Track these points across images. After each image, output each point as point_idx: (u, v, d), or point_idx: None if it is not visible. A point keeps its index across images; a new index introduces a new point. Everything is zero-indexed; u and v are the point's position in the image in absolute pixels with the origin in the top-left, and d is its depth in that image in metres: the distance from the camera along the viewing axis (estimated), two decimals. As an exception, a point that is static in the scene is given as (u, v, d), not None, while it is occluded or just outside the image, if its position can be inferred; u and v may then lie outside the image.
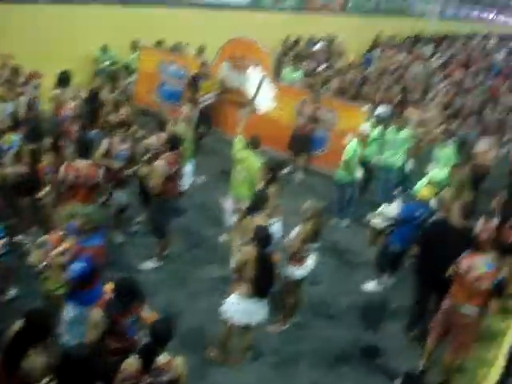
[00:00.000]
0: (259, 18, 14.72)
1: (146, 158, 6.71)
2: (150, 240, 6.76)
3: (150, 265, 6.64)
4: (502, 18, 40.36)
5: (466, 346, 5.11)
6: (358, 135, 8.17)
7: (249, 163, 6.64)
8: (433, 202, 6.49)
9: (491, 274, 4.78)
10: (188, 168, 7.63)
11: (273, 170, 6.16)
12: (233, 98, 10.49)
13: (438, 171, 8.15)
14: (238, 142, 6.79)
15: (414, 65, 16.89)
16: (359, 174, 8.23)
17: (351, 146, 8.06)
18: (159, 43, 12.19)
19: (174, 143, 6.32)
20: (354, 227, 8.34)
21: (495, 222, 6.51)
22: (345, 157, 8.00)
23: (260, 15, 14.97)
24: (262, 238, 4.76)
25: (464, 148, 9.02)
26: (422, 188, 6.80)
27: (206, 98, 10.00)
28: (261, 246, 4.74)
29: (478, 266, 4.82)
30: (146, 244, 6.87)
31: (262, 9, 15.42)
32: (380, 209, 6.73)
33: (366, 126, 8.46)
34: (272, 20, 15.27)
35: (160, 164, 6.10)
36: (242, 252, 4.84)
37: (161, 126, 7.17)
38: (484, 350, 5.59)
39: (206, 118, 9.91)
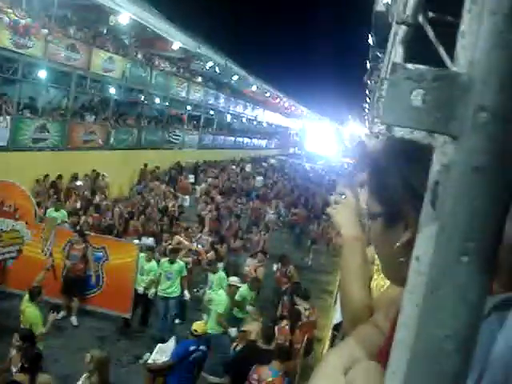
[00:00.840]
0: (18, 158, 14.96)
1: None
2: None
3: None
4: (255, 142, 46.86)
5: None
6: (228, 287, 8.95)
7: (27, 316, 6.88)
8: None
9: (278, 380, 5.89)
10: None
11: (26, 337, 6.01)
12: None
13: (215, 295, 9.33)
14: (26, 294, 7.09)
15: (179, 194, 18.76)
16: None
17: (221, 298, 8.71)
18: None
19: None
20: (135, 368, 8.40)
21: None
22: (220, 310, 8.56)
23: (18, 156, 15.20)
24: None
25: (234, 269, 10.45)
26: (195, 323, 7.44)
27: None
28: None
29: (265, 375, 5.90)
30: None
31: (20, 149, 15.66)
32: (157, 347, 7.14)
33: (235, 279, 9.30)
34: (32, 160, 15.55)
35: None
36: None
37: None
38: None
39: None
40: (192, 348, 6.86)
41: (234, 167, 31.33)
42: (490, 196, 0.53)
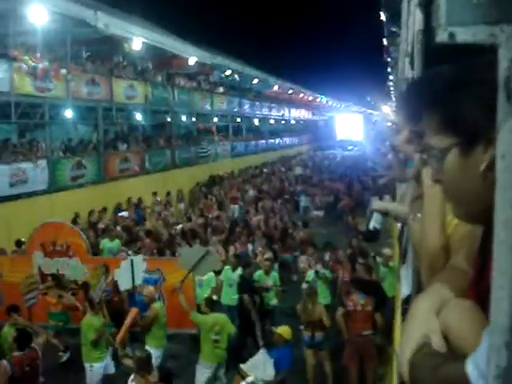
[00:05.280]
0: (60, 198, 15.36)
1: None
2: None
3: None
4: (286, 141, 46.70)
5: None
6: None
7: None
8: None
9: (368, 300, 7.76)
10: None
11: None
12: (53, 284, 10.54)
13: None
14: None
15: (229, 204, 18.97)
16: None
17: None
18: None
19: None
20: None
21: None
22: None
23: (60, 196, 15.59)
24: None
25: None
26: (280, 328, 7.46)
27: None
28: None
29: (357, 300, 7.73)
30: None
31: (61, 189, 16.06)
32: (248, 366, 6.61)
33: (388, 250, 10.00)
34: (74, 197, 15.93)
35: None
36: None
37: None
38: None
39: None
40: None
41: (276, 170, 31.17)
42: None
